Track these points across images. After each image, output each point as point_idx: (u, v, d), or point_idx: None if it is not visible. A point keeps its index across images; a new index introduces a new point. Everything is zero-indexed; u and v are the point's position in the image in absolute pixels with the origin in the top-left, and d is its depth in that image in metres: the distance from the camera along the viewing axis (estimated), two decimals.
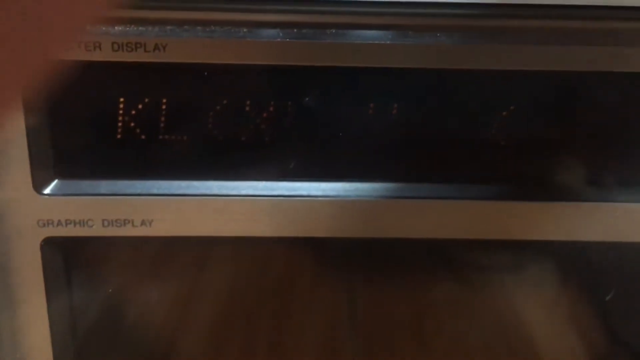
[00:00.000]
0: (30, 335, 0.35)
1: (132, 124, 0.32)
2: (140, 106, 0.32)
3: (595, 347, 0.39)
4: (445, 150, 0.34)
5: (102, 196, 0.33)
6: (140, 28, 0.29)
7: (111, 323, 0.37)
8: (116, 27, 0.29)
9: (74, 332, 0.36)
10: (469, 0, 0.30)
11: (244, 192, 0.33)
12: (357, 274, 0.38)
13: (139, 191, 0.33)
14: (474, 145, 0.34)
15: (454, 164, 0.34)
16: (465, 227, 0.34)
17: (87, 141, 0.33)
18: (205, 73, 0.31)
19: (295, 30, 0.29)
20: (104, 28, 0.29)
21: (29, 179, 0.32)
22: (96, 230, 0.33)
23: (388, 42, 0.30)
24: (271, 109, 0.32)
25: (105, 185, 0.33)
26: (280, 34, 0.29)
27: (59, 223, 0.33)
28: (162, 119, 0.32)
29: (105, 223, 0.33)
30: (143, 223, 0.33)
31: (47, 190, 0.32)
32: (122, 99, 0.31)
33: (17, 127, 0.30)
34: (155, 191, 0.33)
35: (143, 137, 0.32)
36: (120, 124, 0.32)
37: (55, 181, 0.33)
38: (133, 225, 0.33)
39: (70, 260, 0.34)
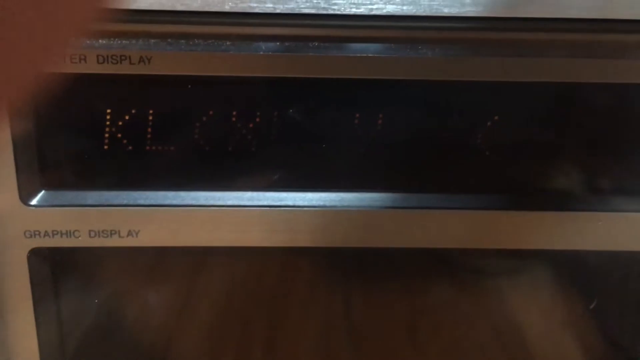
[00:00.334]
0: (18, 345, 0.35)
1: (119, 135, 0.32)
2: (126, 117, 0.32)
3: (591, 353, 0.39)
4: (431, 161, 0.34)
5: (89, 207, 0.33)
6: (124, 41, 0.29)
7: (98, 333, 0.37)
8: (100, 40, 0.29)
9: (61, 342, 0.36)
10: (457, 14, 0.30)
11: (230, 203, 0.33)
12: (346, 282, 0.38)
13: (125, 202, 0.33)
14: (463, 154, 0.34)
15: (442, 174, 0.34)
16: (458, 237, 0.34)
17: (73, 152, 0.33)
18: (190, 85, 0.31)
19: (278, 43, 0.30)
20: (88, 41, 0.29)
21: (16, 190, 0.32)
22: (83, 241, 0.33)
23: (377, 54, 0.30)
24: (257, 119, 0.32)
25: (91, 196, 0.33)
26: (263, 47, 0.29)
27: (46, 234, 0.33)
28: (149, 130, 0.32)
29: (92, 234, 0.33)
30: (129, 234, 0.33)
31: (33, 202, 0.32)
32: (108, 110, 0.31)
33: (3, 139, 0.31)
34: (141, 202, 0.33)
35: (129, 148, 0.32)
36: (106, 135, 0.32)
37: (42, 192, 0.33)
38: (119, 235, 0.33)
39: (57, 270, 0.35)
